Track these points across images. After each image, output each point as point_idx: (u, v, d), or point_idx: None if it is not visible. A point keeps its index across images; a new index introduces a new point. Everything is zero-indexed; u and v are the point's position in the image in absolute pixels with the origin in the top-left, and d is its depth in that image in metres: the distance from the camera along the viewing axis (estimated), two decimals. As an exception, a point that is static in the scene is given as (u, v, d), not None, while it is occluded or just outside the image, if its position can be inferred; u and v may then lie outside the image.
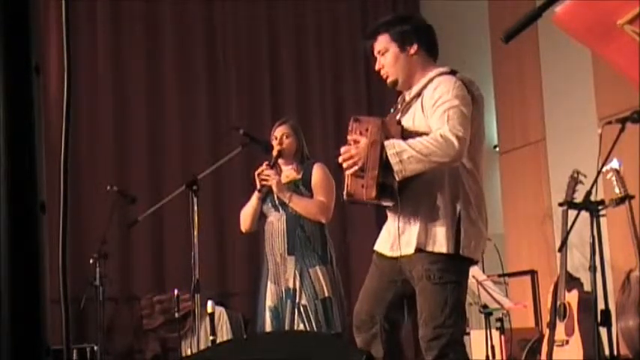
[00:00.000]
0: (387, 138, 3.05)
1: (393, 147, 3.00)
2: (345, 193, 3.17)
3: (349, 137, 3.15)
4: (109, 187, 6.01)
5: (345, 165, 3.13)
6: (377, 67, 3.33)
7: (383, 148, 3.01)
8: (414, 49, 3.25)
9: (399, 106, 3.30)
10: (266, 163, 4.56)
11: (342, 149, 3.15)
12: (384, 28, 3.30)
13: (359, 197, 3.12)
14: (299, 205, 4.48)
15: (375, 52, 3.33)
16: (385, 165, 3.01)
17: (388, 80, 3.31)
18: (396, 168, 2.98)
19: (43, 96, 1.13)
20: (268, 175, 4.48)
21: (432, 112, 3.09)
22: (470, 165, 3.14)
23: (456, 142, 2.97)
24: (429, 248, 3.07)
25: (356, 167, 3.08)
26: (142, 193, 6.66)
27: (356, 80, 8.26)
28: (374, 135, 3.06)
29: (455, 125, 3.01)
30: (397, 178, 3.01)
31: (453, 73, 3.20)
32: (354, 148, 3.09)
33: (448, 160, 3.01)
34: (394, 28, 3.28)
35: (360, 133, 3.11)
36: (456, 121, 3.02)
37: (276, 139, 4.61)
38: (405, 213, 3.13)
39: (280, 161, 4.62)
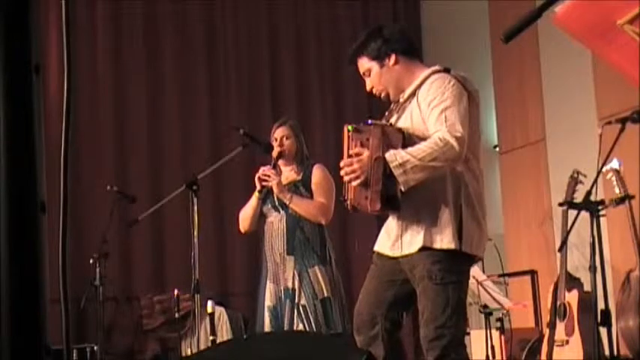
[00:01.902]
0: (389, 147, 3.03)
1: (396, 159, 2.99)
2: (349, 205, 3.18)
3: (350, 150, 3.12)
4: (109, 187, 6.01)
5: (347, 179, 3.12)
6: (367, 89, 3.38)
7: (386, 161, 3.00)
8: (392, 60, 3.28)
9: (394, 107, 3.31)
10: (263, 170, 4.55)
11: (343, 162, 3.13)
12: (359, 51, 3.35)
13: (363, 209, 3.13)
14: (299, 206, 4.48)
15: (362, 74, 3.39)
16: (388, 176, 3.01)
17: (382, 97, 3.36)
18: (401, 179, 2.98)
19: (43, 96, 1.14)
20: (268, 176, 4.48)
21: (428, 113, 3.09)
22: (470, 161, 3.15)
23: (455, 144, 2.98)
24: (437, 245, 3.06)
25: (359, 181, 3.08)
26: (142, 193, 6.66)
27: (356, 80, 8.22)
28: (375, 147, 3.04)
29: (453, 126, 3.01)
30: (403, 189, 3.01)
31: (446, 70, 3.21)
32: (357, 162, 3.07)
33: (450, 163, 3.02)
34: (367, 48, 3.32)
35: (362, 144, 3.09)
36: (454, 121, 3.02)
37: (276, 140, 4.61)
38: (407, 213, 3.13)
39: (280, 162, 4.62)
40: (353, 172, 3.08)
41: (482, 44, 7.19)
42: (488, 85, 6.92)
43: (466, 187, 3.12)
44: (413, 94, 3.21)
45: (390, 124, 3.18)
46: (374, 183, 3.03)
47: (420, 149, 3.00)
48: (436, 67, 3.24)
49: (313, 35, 8.22)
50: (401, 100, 3.27)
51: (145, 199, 6.45)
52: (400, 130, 3.11)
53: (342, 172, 3.14)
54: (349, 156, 3.12)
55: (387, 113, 3.33)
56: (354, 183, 3.09)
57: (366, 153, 3.06)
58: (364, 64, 3.33)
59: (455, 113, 3.04)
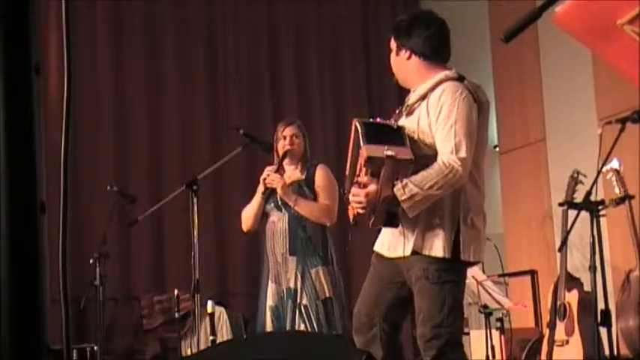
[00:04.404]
0: (398, 176, 3.03)
1: (404, 193, 3.01)
2: (350, 218, 3.23)
3: (359, 177, 3.13)
4: (109, 187, 6.01)
5: (354, 205, 3.16)
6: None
7: (394, 197, 3.01)
8: (406, 55, 3.29)
9: (403, 108, 3.31)
10: (269, 168, 4.55)
11: (353, 191, 3.14)
12: (392, 30, 3.40)
13: (365, 224, 3.17)
14: (304, 208, 4.48)
15: None
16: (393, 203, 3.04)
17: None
18: (410, 212, 3.03)
19: (43, 96, 1.14)
20: (273, 180, 4.48)
21: (436, 126, 3.10)
22: (472, 170, 3.15)
23: (459, 168, 3.02)
24: (426, 252, 3.09)
25: (364, 212, 3.11)
26: (142, 193, 6.66)
27: (356, 80, 8.26)
28: (385, 183, 3.03)
29: (459, 144, 3.04)
30: (410, 217, 3.05)
31: (460, 79, 3.20)
32: (364, 196, 3.07)
33: (454, 187, 3.06)
34: (395, 32, 3.36)
35: (372, 174, 3.08)
36: (461, 137, 3.05)
37: (284, 138, 4.60)
38: (404, 216, 3.13)
39: (285, 161, 4.62)
40: (359, 203, 3.11)
41: (482, 44, 7.19)
42: (488, 85, 6.92)
43: (465, 195, 3.13)
44: (424, 97, 3.20)
45: (398, 127, 3.16)
46: (378, 213, 3.08)
47: (425, 178, 3.02)
48: (450, 73, 3.22)
49: (313, 35, 8.22)
50: (411, 100, 3.27)
51: (145, 199, 6.46)
52: (412, 160, 3.06)
53: (349, 197, 3.17)
54: (357, 183, 3.13)
55: (397, 111, 3.33)
56: (360, 212, 3.14)
57: (373, 186, 3.06)
58: (392, 40, 3.37)
59: (463, 128, 3.06)
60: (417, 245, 3.09)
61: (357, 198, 3.11)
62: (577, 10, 1.44)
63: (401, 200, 3.01)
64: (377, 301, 3.23)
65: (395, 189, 3.02)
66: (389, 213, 3.08)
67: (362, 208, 3.11)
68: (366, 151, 3.07)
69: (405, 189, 3.01)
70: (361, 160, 3.11)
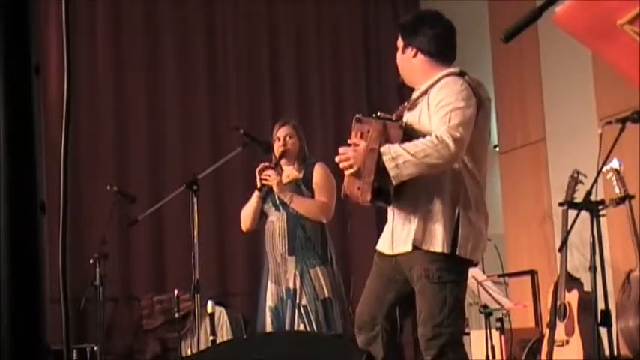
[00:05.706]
0: (387, 142, 3.06)
1: (389, 152, 3.02)
2: (342, 193, 3.25)
3: (350, 140, 3.19)
4: (109, 187, 6.01)
5: (341, 166, 3.18)
6: None
7: (380, 154, 3.03)
8: (412, 53, 3.32)
9: (407, 104, 3.32)
10: (264, 164, 4.56)
11: (341, 150, 3.19)
12: (398, 28, 3.42)
13: (354, 199, 3.19)
14: (300, 205, 4.48)
15: None
16: (382, 170, 3.03)
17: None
18: (392, 173, 3.01)
19: (43, 96, 1.13)
20: (269, 176, 4.49)
21: (435, 112, 3.11)
22: (472, 166, 3.15)
23: (451, 144, 2.98)
24: (426, 247, 3.09)
25: (352, 170, 3.13)
26: (142, 193, 6.66)
27: (356, 80, 8.26)
28: (373, 140, 3.08)
29: (454, 126, 3.02)
30: (394, 183, 3.03)
31: (461, 74, 3.22)
32: (352, 152, 3.13)
33: (444, 162, 3.03)
34: (401, 30, 3.38)
35: (361, 135, 3.14)
36: (457, 122, 3.03)
37: (278, 139, 4.61)
38: (404, 212, 3.15)
39: (282, 161, 4.63)
40: (347, 160, 3.14)
41: (482, 44, 7.18)
42: (488, 85, 6.91)
43: (465, 192, 3.13)
44: (425, 92, 3.22)
45: (394, 120, 3.20)
46: (366, 174, 3.08)
47: (414, 145, 3.02)
48: (452, 69, 3.25)
49: (313, 35, 8.22)
50: (414, 96, 3.29)
51: (145, 199, 6.45)
52: (401, 126, 3.12)
53: (337, 159, 3.20)
54: (348, 145, 3.18)
55: (400, 108, 3.35)
56: (347, 172, 3.16)
57: (362, 144, 3.11)
58: (398, 40, 3.39)
59: (460, 115, 3.05)
60: (417, 239, 3.09)
61: (343, 157, 3.15)
62: (577, 10, 1.44)
63: (385, 160, 3.01)
64: (379, 300, 3.23)
65: (382, 148, 3.04)
66: (379, 186, 3.08)
67: (349, 165, 3.13)
68: (355, 115, 3.18)
69: (391, 149, 3.03)
70: (352, 125, 3.19)
